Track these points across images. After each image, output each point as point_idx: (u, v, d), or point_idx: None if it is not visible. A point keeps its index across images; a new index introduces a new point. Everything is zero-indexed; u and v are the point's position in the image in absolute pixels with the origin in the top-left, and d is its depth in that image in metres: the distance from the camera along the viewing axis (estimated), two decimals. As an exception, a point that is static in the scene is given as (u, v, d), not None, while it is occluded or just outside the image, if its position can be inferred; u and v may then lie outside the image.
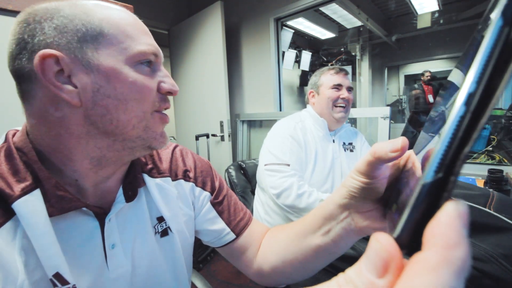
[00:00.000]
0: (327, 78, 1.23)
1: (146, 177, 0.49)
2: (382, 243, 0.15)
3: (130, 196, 0.45)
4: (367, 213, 0.34)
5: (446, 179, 0.15)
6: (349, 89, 1.24)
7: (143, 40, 0.39)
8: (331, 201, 0.37)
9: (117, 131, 0.39)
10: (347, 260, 0.59)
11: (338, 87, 1.21)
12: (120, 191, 0.45)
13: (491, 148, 1.58)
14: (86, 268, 0.40)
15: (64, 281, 0.35)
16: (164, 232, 0.50)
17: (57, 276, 0.35)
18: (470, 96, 0.14)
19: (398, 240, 0.16)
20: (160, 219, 0.49)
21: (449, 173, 0.15)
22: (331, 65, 3.45)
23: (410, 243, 0.16)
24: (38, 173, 0.37)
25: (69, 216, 0.39)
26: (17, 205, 0.34)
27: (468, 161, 1.54)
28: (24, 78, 0.36)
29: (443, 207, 0.14)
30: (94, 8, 0.37)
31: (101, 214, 0.42)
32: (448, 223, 0.13)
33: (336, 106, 1.21)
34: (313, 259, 0.44)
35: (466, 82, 0.14)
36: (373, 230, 0.34)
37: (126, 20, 0.39)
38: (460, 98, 0.14)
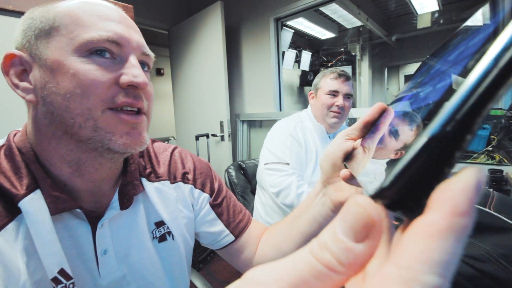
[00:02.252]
0: (326, 82, 1.20)
1: (144, 181, 0.48)
2: (362, 205, 0.13)
3: (125, 203, 0.44)
4: (339, 183, 0.39)
5: (462, 134, 0.13)
6: (347, 96, 1.19)
7: (100, 26, 0.35)
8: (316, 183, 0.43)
9: (68, 130, 0.35)
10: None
11: (334, 93, 1.18)
12: (116, 197, 0.44)
13: (491, 148, 1.58)
14: (77, 272, 0.39)
15: (68, 277, 0.36)
16: (162, 237, 0.49)
17: (62, 272, 0.35)
18: (504, 50, 0.12)
19: (382, 193, 0.15)
20: (159, 224, 0.49)
21: (467, 128, 0.13)
22: (331, 65, 3.45)
23: (399, 200, 0.14)
24: (35, 173, 0.37)
25: (63, 218, 0.39)
26: (23, 203, 0.34)
27: (468, 161, 1.54)
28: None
29: (461, 172, 0.12)
30: (60, 4, 0.37)
31: (94, 218, 0.41)
32: (464, 190, 0.12)
33: (330, 112, 1.20)
34: (303, 244, 0.45)
35: (503, 36, 0.13)
36: (342, 204, 0.37)
37: (83, 8, 0.36)
38: (493, 52, 0.13)
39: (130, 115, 0.37)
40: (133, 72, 0.36)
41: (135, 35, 0.39)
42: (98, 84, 0.35)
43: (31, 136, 0.39)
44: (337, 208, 0.40)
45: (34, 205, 0.35)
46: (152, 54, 0.43)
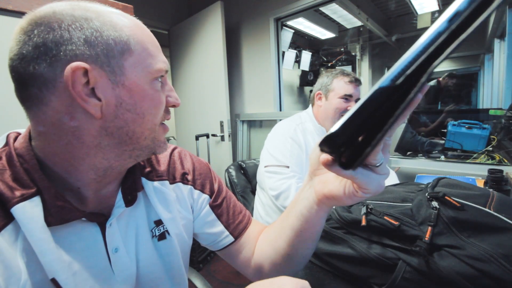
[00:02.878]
0: (340, 85, 1.16)
1: (144, 180, 0.49)
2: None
3: (129, 200, 0.45)
4: (324, 175, 0.41)
5: (409, 88, 0.15)
6: (357, 101, 1.20)
7: (160, 58, 0.41)
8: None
9: (130, 141, 0.40)
10: (347, 260, 0.59)
11: (348, 97, 1.15)
12: (120, 195, 0.45)
13: (491, 148, 1.58)
14: (90, 273, 0.40)
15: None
16: (162, 236, 0.49)
17: (53, 281, 0.35)
18: (457, 14, 0.14)
19: (334, 136, 0.16)
20: (158, 223, 0.49)
21: (413, 83, 0.14)
22: (331, 65, 3.45)
23: (347, 142, 0.15)
24: (38, 182, 0.37)
25: (70, 223, 0.39)
26: (15, 210, 0.34)
27: (468, 161, 1.54)
28: (38, 83, 0.34)
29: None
30: (120, 22, 0.38)
31: (101, 219, 0.42)
32: None
33: (342, 116, 1.19)
34: (294, 239, 0.47)
35: (456, 2, 0.14)
36: (326, 196, 0.40)
37: (149, 38, 0.41)
38: (445, 15, 0.14)
39: (167, 126, 0.46)
40: (174, 95, 0.45)
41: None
42: (162, 105, 0.42)
43: (44, 144, 0.38)
44: (320, 201, 0.41)
45: (26, 213, 0.34)
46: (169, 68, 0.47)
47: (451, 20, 0.14)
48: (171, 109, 0.47)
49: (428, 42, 0.14)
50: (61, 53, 0.34)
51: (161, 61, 0.41)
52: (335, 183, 0.38)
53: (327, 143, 0.16)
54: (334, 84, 1.17)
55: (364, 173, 0.32)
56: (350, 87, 1.15)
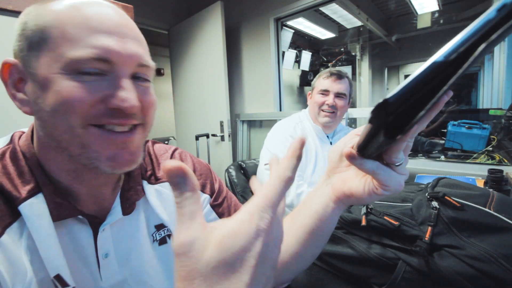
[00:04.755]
0: (319, 81, 1.22)
1: (145, 184, 0.48)
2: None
3: (127, 208, 0.44)
4: (344, 173, 0.40)
5: (460, 63, 0.17)
6: (339, 95, 1.19)
7: (88, 42, 0.33)
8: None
9: (60, 146, 0.35)
10: (347, 260, 0.59)
11: (325, 92, 1.19)
12: (117, 201, 0.44)
13: (491, 148, 1.58)
14: (77, 277, 0.39)
15: (64, 283, 0.36)
16: (163, 240, 0.49)
17: (58, 277, 0.35)
18: (504, 7, 0.16)
19: (386, 104, 0.18)
20: (159, 227, 0.48)
21: (465, 58, 0.17)
22: (332, 65, 3.45)
23: (398, 115, 0.18)
24: (38, 178, 0.37)
25: (65, 223, 0.39)
26: (23, 207, 0.34)
27: (468, 161, 1.54)
28: None
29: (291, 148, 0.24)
30: (49, 8, 0.34)
31: (95, 222, 0.41)
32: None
33: (321, 111, 1.20)
34: (305, 237, 0.44)
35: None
36: (345, 194, 0.38)
37: (73, 16, 0.33)
38: (494, 6, 0.16)
39: (118, 135, 0.36)
40: (121, 95, 0.34)
41: (131, 46, 0.36)
42: (80, 102, 0.33)
43: (35, 142, 0.39)
44: (338, 198, 0.40)
45: (33, 209, 0.35)
46: (151, 64, 0.40)
47: (499, 10, 0.16)
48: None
49: (479, 26, 0.17)
50: (13, 51, 0.36)
51: (86, 46, 0.33)
52: (355, 180, 0.38)
53: (378, 111, 0.18)
54: (316, 82, 1.24)
55: (386, 170, 0.33)
56: (326, 82, 1.19)
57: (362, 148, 0.31)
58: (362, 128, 0.39)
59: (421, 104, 0.17)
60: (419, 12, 3.03)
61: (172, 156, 0.56)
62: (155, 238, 0.48)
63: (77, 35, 0.33)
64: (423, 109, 0.17)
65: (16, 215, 0.35)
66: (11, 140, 0.40)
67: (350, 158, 0.33)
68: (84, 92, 0.33)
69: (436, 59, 0.17)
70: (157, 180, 0.50)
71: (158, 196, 0.49)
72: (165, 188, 0.50)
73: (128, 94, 0.35)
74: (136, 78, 0.38)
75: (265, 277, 0.21)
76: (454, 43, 0.17)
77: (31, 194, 0.35)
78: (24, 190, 0.35)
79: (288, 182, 0.23)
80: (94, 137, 0.35)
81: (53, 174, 0.39)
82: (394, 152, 0.32)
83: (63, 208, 0.37)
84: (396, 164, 0.33)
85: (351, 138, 0.38)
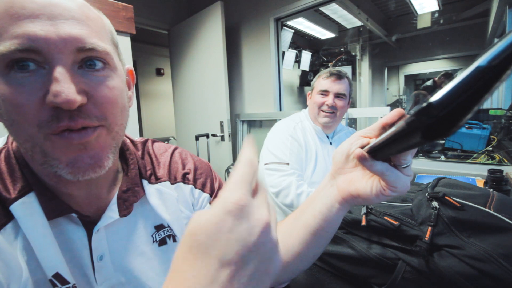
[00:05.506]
0: (318, 82, 1.22)
1: (145, 183, 0.47)
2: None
3: (124, 210, 0.42)
4: (349, 174, 0.40)
5: (504, 69, 0.16)
6: (339, 95, 1.19)
7: (10, 32, 0.28)
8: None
9: (26, 154, 0.34)
10: (347, 260, 0.59)
11: (324, 92, 1.19)
12: (114, 201, 0.42)
13: (491, 148, 1.58)
14: (74, 278, 0.38)
15: (64, 281, 0.35)
16: (163, 241, 0.47)
17: (57, 276, 0.35)
18: None
19: (429, 108, 0.18)
20: (159, 228, 0.47)
21: (508, 64, 0.16)
22: (332, 65, 3.45)
23: (442, 117, 0.18)
24: (28, 177, 0.37)
25: (58, 223, 0.38)
26: (14, 208, 0.34)
27: (468, 161, 1.54)
28: None
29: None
30: None
31: (90, 223, 0.40)
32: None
33: (321, 111, 1.20)
34: (307, 237, 0.44)
35: None
36: (352, 195, 0.39)
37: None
38: None
39: (74, 134, 0.31)
40: (53, 89, 0.29)
41: (64, 28, 0.30)
42: (25, 109, 0.29)
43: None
44: (344, 199, 0.40)
45: (25, 209, 0.34)
46: (100, 46, 0.33)
47: None
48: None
49: None
50: None
51: (8, 38, 0.28)
52: (362, 181, 0.38)
53: (420, 114, 0.19)
54: (315, 82, 1.24)
55: (394, 171, 0.34)
56: (326, 82, 1.19)
57: (375, 150, 0.32)
58: (366, 130, 0.39)
59: (463, 108, 0.17)
60: (419, 12, 3.03)
61: (172, 155, 0.55)
62: (154, 239, 0.47)
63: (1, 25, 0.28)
64: (468, 112, 0.17)
65: (9, 216, 0.34)
66: (6, 141, 0.40)
67: (361, 159, 0.34)
68: (23, 95, 0.29)
69: (480, 63, 0.17)
70: (157, 180, 0.50)
71: (159, 196, 0.48)
72: (165, 187, 0.50)
73: (59, 87, 0.29)
74: (86, 66, 0.32)
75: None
76: (496, 48, 0.17)
77: (22, 193, 0.35)
78: (14, 190, 0.35)
79: (250, 162, 0.25)
80: (51, 142, 0.31)
81: (40, 175, 0.38)
82: (404, 154, 0.33)
83: (54, 205, 0.37)
84: (404, 166, 0.34)
85: (357, 140, 0.38)
